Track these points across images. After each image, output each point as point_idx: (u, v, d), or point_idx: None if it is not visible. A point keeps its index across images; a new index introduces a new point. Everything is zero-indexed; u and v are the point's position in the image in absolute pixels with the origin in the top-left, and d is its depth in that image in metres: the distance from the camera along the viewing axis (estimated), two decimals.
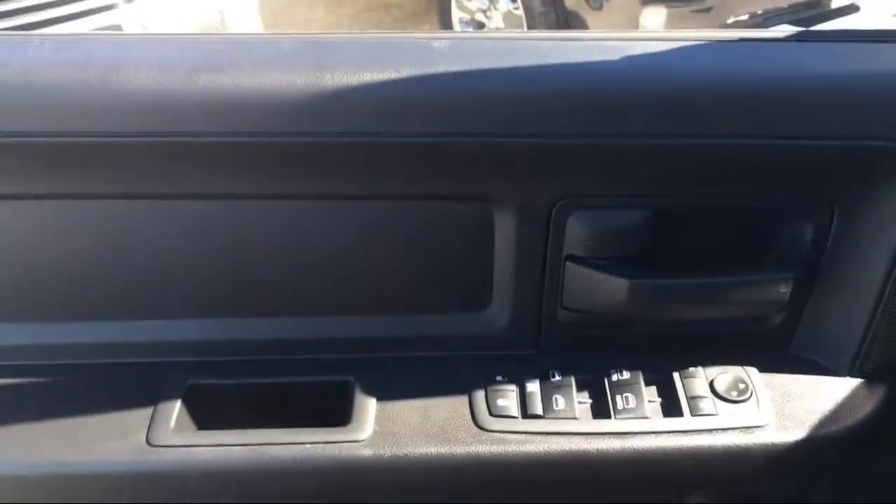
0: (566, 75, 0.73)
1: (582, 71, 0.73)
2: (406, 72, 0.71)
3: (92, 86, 0.69)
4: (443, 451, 0.80)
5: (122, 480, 0.79)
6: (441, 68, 0.72)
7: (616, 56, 0.74)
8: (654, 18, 3.14)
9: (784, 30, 0.82)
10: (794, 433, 0.82)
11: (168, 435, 0.80)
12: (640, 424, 0.82)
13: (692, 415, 0.83)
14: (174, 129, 0.71)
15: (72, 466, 0.79)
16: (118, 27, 2.84)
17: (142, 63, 0.71)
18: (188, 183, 0.77)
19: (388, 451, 0.80)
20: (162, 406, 0.82)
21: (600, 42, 0.76)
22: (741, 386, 0.85)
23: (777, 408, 0.84)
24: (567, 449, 0.81)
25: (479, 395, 0.84)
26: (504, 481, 0.82)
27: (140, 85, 0.69)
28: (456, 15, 4.10)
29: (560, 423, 0.82)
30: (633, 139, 0.74)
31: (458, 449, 0.80)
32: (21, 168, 0.74)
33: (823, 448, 0.83)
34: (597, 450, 0.81)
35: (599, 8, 3.35)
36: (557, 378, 0.86)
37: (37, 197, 0.78)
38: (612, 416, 0.83)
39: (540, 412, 0.83)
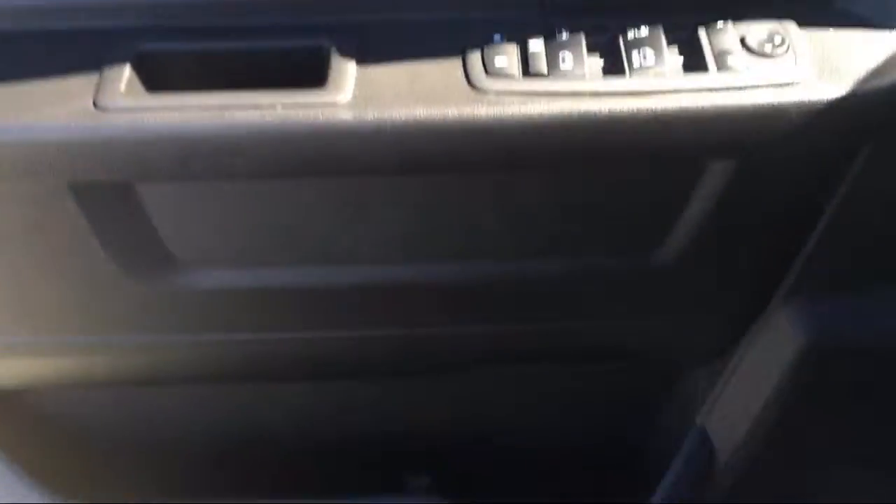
0: None
1: None
2: None
3: None
4: (432, 113, 0.70)
5: (72, 148, 0.70)
6: None
7: None
8: None
9: None
10: (833, 89, 0.72)
11: (117, 98, 0.70)
12: (658, 82, 0.71)
13: (718, 70, 0.72)
14: None
15: (15, 133, 0.70)
16: None
17: None
18: None
19: (371, 114, 0.70)
20: (109, 71, 0.72)
21: None
22: (777, 40, 0.74)
23: (817, 63, 0.73)
24: (574, 110, 0.70)
25: (475, 56, 0.73)
26: (501, 146, 0.72)
27: None
28: None
29: (566, 83, 0.71)
30: None
31: (450, 111, 0.70)
32: None
33: (865, 106, 0.73)
34: (608, 111, 0.71)
35: None
36: (565, 36, 0.74)
37: None
38: (627, 74, 0.72)
39: (544, 71, 0.72)
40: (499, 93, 0.71)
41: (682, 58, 0.73)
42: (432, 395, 1.14)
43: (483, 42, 0.74)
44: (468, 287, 0.87)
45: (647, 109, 0.71)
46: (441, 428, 1.19)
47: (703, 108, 0.71)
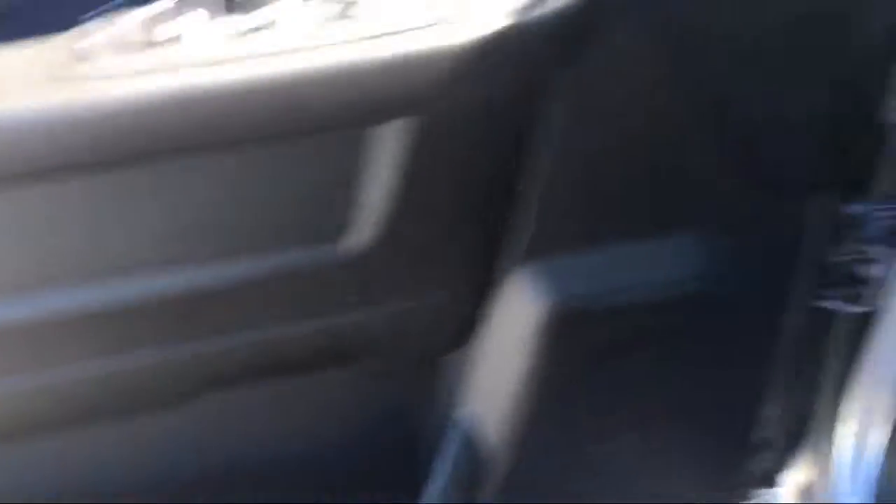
0: None
1: None
2: None
3: None
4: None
5: None
6: None
7: None
8: None
9: None
10: (489, 25, 0.63)
11: None
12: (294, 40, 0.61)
13: (364, 20, 0.62)
14: None
15: None
16: None
17: None
18: None
19: None
20: None
21: None
22: None
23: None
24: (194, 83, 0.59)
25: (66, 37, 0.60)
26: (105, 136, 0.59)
27: None
28: None
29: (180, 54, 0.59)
30: None
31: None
32: None
33: (528, 39, 0.65)
34: (241, 78, 0.59)
35: None
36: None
37: None
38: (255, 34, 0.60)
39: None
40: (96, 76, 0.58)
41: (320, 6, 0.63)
42: (159, 429, 0.97)
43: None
44: (139, 305, 0.73)
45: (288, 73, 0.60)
46: (189, 465, 1.03)
47: (356, 62, 0.61)
